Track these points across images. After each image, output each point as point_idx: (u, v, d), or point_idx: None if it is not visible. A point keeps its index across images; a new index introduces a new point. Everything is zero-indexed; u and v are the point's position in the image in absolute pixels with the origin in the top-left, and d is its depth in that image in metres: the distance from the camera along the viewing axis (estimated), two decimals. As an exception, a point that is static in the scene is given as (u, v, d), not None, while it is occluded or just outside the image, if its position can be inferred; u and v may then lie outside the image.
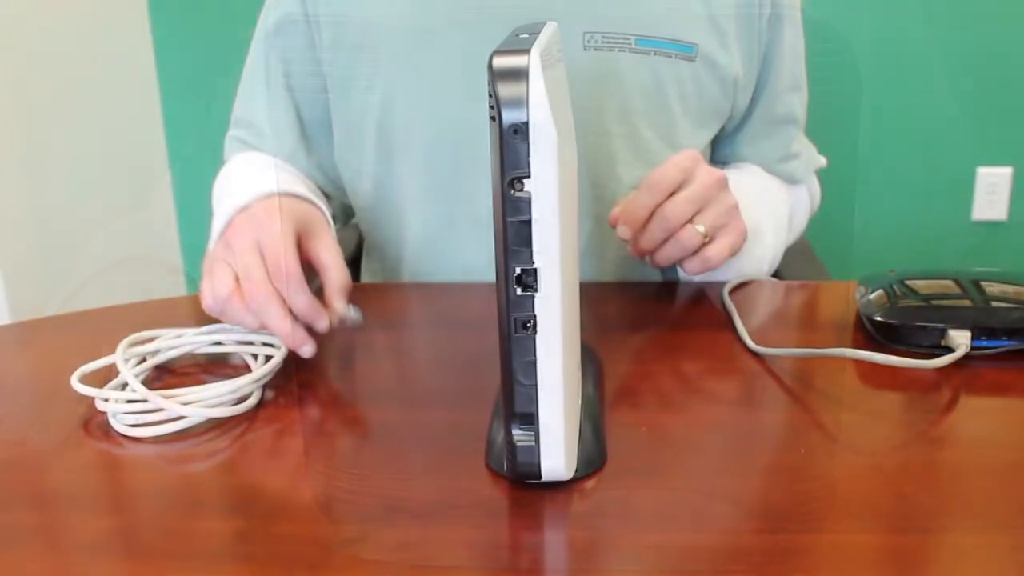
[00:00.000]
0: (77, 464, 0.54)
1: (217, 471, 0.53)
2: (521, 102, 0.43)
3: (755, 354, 0.66)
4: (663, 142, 0.85)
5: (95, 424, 0.59)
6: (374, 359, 0.68)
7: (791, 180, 0.95)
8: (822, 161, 0.99)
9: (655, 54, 0.81)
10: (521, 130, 0.43)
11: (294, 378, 0.64)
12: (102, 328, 0.72)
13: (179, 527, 0.48)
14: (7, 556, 0.46)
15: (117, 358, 0.62)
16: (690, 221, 0.71)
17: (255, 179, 0.75)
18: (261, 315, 0.63)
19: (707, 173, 0.71)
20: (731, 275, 0.79)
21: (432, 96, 0.82)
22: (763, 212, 0.84)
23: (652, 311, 0.75)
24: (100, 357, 0.63)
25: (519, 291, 0.45)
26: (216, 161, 0.91)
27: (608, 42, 0.80)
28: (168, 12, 2.20)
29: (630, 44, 0.81)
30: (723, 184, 0.72)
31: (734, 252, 0.74)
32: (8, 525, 0.48)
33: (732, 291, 0.78)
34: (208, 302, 0.65)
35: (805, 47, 0.92)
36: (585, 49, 0.80)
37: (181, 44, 2.11)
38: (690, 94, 0.84)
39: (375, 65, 0.83)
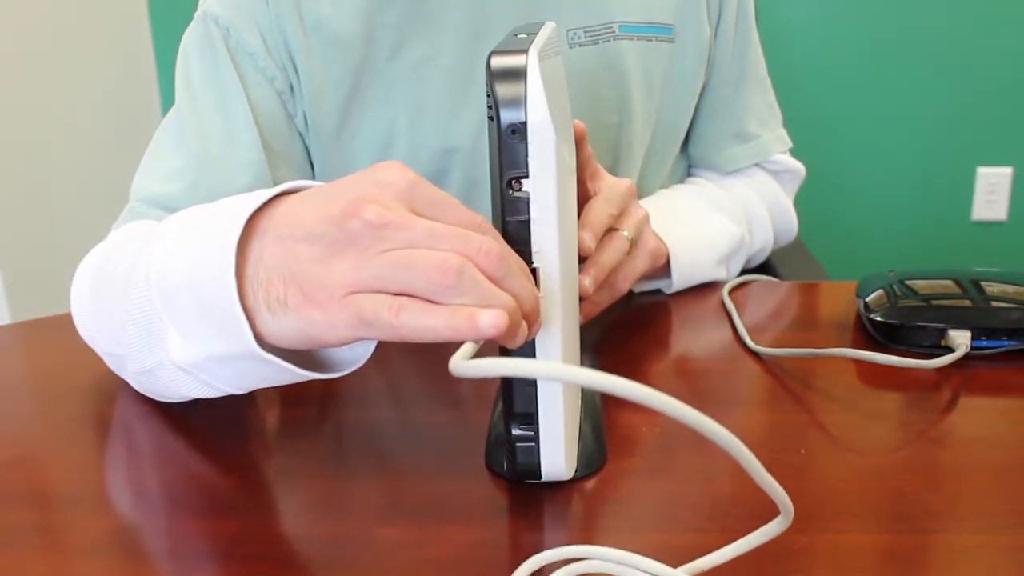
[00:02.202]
0: (77, 464, 0.54)
1: (217, 471, 0.53)
2: (519, 102, 0.43)
3: (755, 354, 0.66)
4: (650, 127, 0.85)
5: (94, 424, 0.59)
6: (373, 359, 0.68)
7: (731, 164, 0.91)
8: (777, 149, 0.93)
9: (638, 39, 0.82)
10: (519, 130, 0.43)
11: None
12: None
13: (179, 527, 0.48)
14: (7, 556, 0.46)
15: None
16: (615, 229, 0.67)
17: (229, 202, 0.49)
18: (507, 280, 0.43)
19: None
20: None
21: (434, 129, 0.79)
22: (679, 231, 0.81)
23: (652, 311, 0.75)
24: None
25: None
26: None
27: (592, 36, 0.80)
28: (168, 12, 2.20)
29: (614, 33, 0.81)
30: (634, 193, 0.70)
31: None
32: (8, 525, 0.48)
33: (732, 291, 0.78)
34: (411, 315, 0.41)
35: (759, 27, 0.90)
36: (571, 47, 0.80)
37: (181, 44, 2.11)
38: (672, 75, 0.85)
39: (367, 110, 0.79)
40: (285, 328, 0.45)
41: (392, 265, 0.41)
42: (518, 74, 0.43)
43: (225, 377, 0.51)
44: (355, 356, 0.52)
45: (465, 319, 0.40)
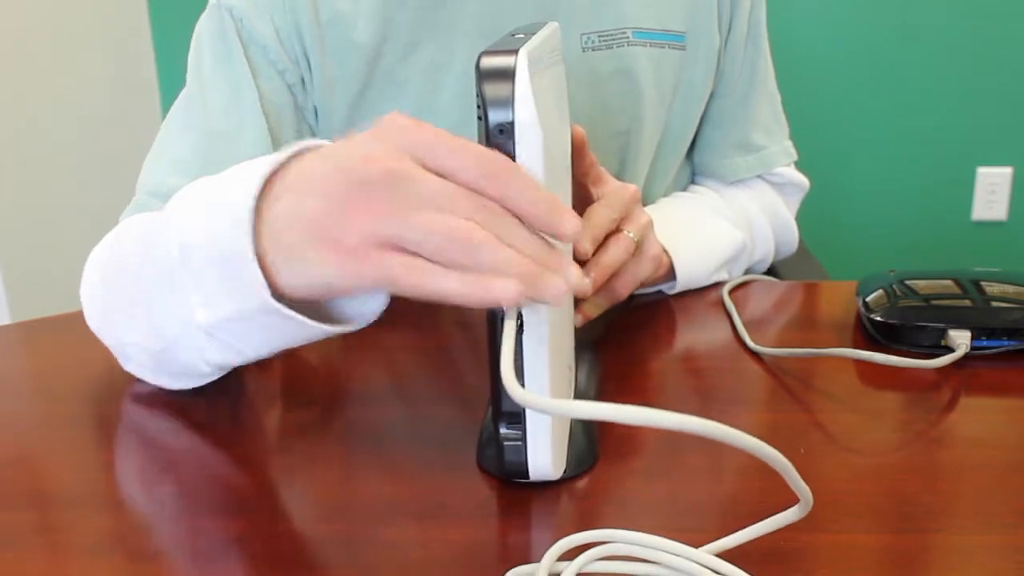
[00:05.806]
0: (77, 464, 0.54)
1: (217, 471, 0.53)
2: (507, 102, 0.43)
3: (755, 354, 0.66)
4: (658, 134, 0.85)
5: (95, 424, 0.59)
6: (368, 358, 0.68)
7: (734, 175, 0.90)
8: (781, 161, 0.92)
9: (650, 46, 0.82)
10: (507, 130, 0.43)
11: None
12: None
13: (179, 527, 0.48)
14: (7, 556, 0.46)
15: None
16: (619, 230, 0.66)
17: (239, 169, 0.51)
18: (511, 234, 0.43)
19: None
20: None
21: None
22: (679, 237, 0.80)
23: (652, 310, 0.75)
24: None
25: None
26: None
27: (605, 41, 0.80)
28: (168, 12, 2.20)
29: (628, 38, 0.81)
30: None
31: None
32: (8, 525, 0.48)
33: (732, 291, 0.78)
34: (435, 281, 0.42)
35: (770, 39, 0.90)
36: (584, 51, 0.80)
37: (181, 44, 2.13)
38: (682, 82, 0.85)
39: (377, 109, 0.79)
40: (305, 280, 0.46)
41: (411, 228, 0.43)
42: (506, 74, 0.43)
43: (246, 337, 0.52)
44: (367, 311, 0.53)
45: (481, 289, 0.42)
